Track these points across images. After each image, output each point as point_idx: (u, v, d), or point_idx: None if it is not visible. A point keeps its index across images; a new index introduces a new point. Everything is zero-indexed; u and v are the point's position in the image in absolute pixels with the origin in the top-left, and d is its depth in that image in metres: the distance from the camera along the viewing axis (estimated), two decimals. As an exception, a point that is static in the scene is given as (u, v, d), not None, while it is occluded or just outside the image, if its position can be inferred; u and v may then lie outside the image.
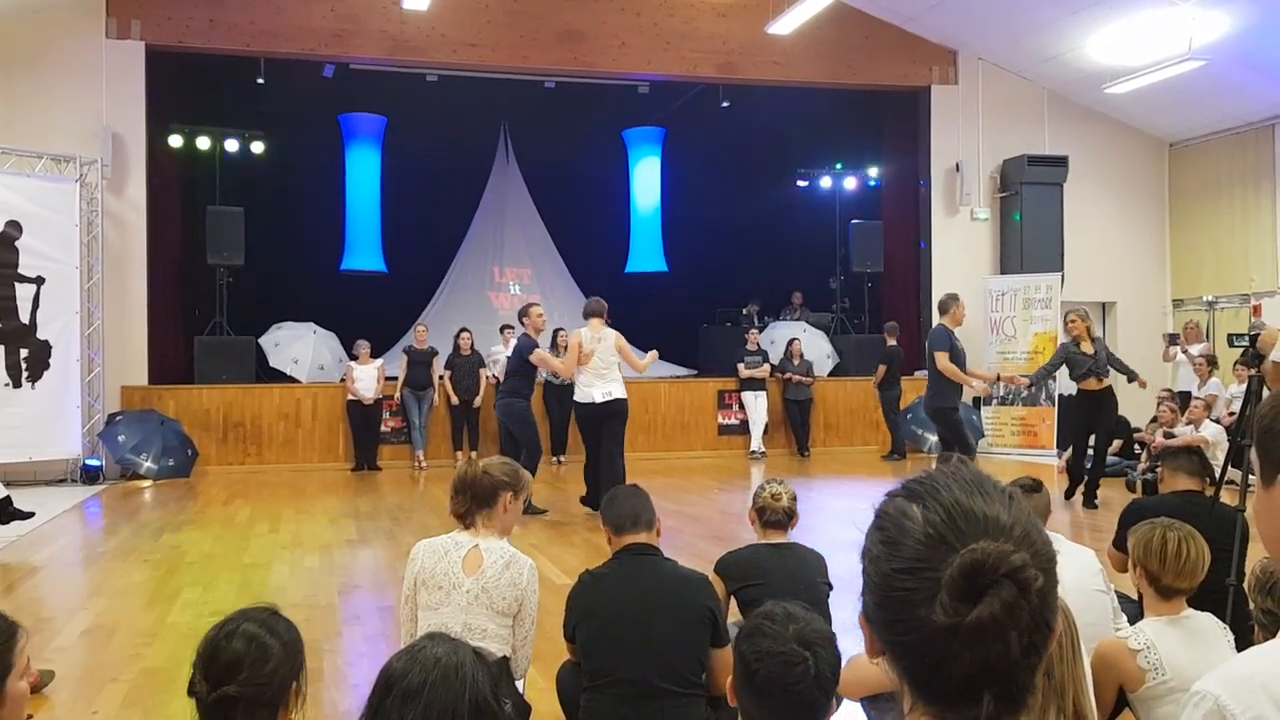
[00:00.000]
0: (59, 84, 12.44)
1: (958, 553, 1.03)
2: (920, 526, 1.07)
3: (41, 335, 11.58)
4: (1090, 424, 9.87)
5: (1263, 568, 2.89)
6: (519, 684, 3.71)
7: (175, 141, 14.40)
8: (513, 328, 13.98)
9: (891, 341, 14.23)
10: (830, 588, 3.94)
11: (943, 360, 9.14)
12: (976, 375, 10.00)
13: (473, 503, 3.63)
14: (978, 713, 1.04)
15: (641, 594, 3.46)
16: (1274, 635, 1.21)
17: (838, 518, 8.72)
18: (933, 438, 12.78)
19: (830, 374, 15.21)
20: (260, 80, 13.88)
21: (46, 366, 11.61)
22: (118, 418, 12.15)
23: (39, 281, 11.52)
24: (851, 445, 14.77)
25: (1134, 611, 3.84)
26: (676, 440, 14.39)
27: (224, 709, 2.14)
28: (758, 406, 14.31)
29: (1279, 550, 1.25)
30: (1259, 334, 5.26)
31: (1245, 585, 2.98)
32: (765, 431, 14.36)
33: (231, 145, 15.03)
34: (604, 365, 9.02)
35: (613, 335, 9.11)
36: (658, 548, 3.64)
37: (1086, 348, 9.71)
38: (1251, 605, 2.94)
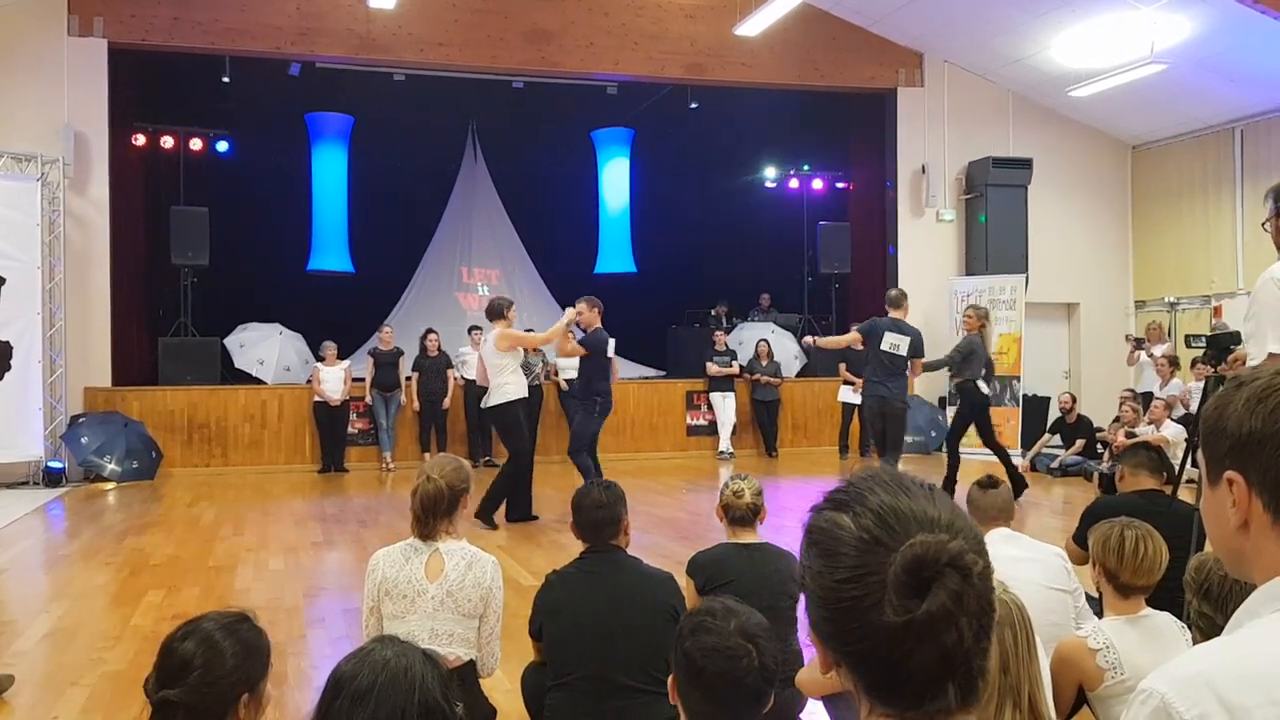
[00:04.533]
0: (20, 82, 12.28)
1: (895, 552, 1.05)
2: (854, 533, 1.09)
3: (2, 336, 11.38)
4: None
5: (1198, 567, 2.87)
6: (487, 680, 3.71)
7: (139, 140, 14.25)
8: (481, 329, 13.97)
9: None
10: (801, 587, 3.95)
11: (921, 363, 9.33)
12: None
13: (440, 518, 3.62)
14: (941, 705, 1.05)
15: (607, 592, 3.48)
16: (1210, 638, 1.23)
17: (805, 517, 8.74)
18: (911, 438, 12.79)
19: (798, 375, 15.26)
20: (225, 79, 13.73)
21: (8, 368, 11.37)
22: (81, 419, 12.01)
23: (-1, 281, 11.36)
24: (819, 445, 14.82)
25: (1095, 608, 3.88)
26: (645, 441, 14.39)
27: (166, 713, 2.10)
28: (726, 407, 14.34)
29: (1223, 548, 1.27)
30: (1218, 334, 5.31)
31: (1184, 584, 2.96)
32: (733, 432, 14.39)
33: (196, 144, 14.90)
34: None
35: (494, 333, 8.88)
36: (623, 547, 3.65)
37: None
38: (1188, 606, 2.94)
